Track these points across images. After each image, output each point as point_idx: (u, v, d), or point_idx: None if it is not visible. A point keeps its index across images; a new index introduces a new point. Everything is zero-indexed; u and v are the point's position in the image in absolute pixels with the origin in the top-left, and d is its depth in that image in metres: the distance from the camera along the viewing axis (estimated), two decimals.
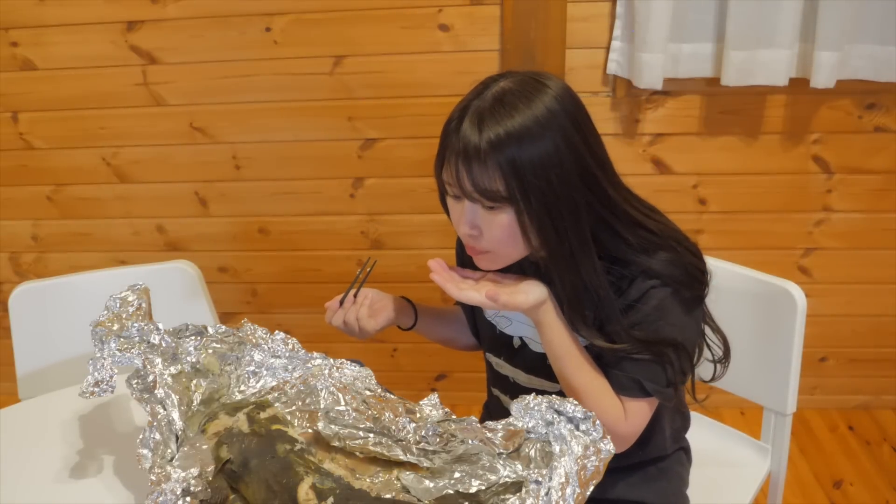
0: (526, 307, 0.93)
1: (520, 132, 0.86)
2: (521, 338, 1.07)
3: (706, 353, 1.04)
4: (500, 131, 0.86)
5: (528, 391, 1.05)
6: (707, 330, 1.02)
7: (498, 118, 0.86)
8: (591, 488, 0.76)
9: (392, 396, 0.91)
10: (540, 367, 1.04)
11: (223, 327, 1.01)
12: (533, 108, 0.87)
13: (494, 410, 1.19)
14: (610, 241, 0.93)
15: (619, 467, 1.05)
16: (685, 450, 1.19)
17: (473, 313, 1.20)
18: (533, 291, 0.94)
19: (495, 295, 0.91)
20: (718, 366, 1.05)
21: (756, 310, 1.27)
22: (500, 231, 0.91)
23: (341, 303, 1.09)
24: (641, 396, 0.95)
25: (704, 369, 1.05)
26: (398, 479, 0.84)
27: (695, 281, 0.96)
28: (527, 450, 0.81)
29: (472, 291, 0.94)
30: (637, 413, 0.96)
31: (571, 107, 0.90)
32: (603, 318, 0.95)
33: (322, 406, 0.91)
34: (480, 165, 0.86)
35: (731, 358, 1.04)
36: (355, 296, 1.10)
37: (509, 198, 0.88)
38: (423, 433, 0.84)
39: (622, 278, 0.95)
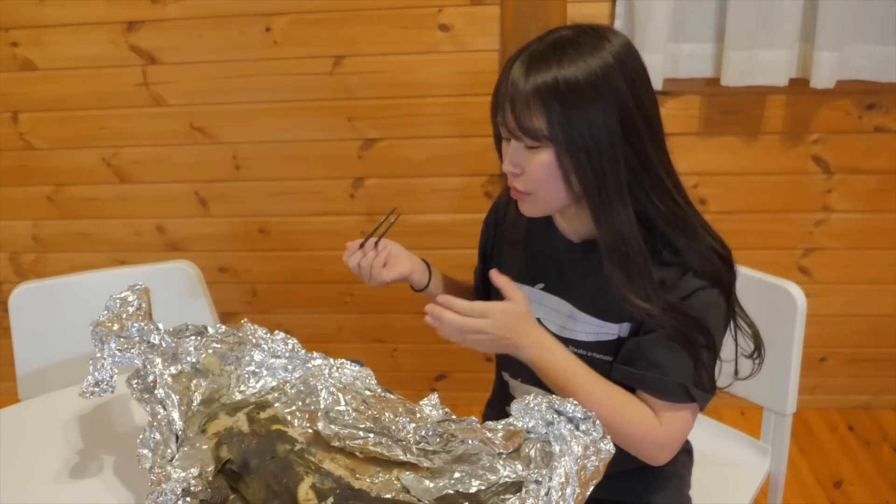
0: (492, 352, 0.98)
1: (567, 79, 0.87)
2: (539, 319, 1.06)
3: (739, 349, 1.04)
4: (546, 75, 0.88)
5: (536, 378, 1.05)
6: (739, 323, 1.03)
7: (548, 62, 0.88)
8: (591, 488, 0.76)
9: (392, 396, 0.91)
10: None
11: (223, 327, 1.01)
12: (587, 60, 0.88)
13: (498, 394, 1.19)
14: (641, 201, 0.93)
15: (623, 471, 1.05)
16: (688, 452, 1.19)
17: (488, 291, 1.18)
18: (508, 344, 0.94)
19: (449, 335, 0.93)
20: (754, 361, 1.04)
21: (756, 310, 1.27)
22: (539, 170, 0.92)
23: (361, 245, 1.10)
24: (686, 401, 0.94)
25: (742, 366, 1.04)
26: (398, 479, 0.84)
27: (728, 280, 0.97)
28: (527, 450, 0.81)
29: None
30: (676, 420, 0.94)
31: (629, 62, 0.91)
32: (636, 283, 0.93)
33: (322, 406, 0.91)
34: (523, 104, 0.89)
35: (764, 353, 1.03)
36: (376, 243, 1.10)
37: (550, 138, 0.89)
38: (423, 433, 0.84)
39: (663, 264, 0.95)
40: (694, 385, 0.93)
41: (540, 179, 0.93)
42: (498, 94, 0.94)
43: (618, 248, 0.93)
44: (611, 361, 0.99)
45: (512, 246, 1.13)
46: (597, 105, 0.88)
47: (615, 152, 0.90)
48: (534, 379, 1.06)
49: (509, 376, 1.14)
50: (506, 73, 0.92)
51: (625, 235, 0.92)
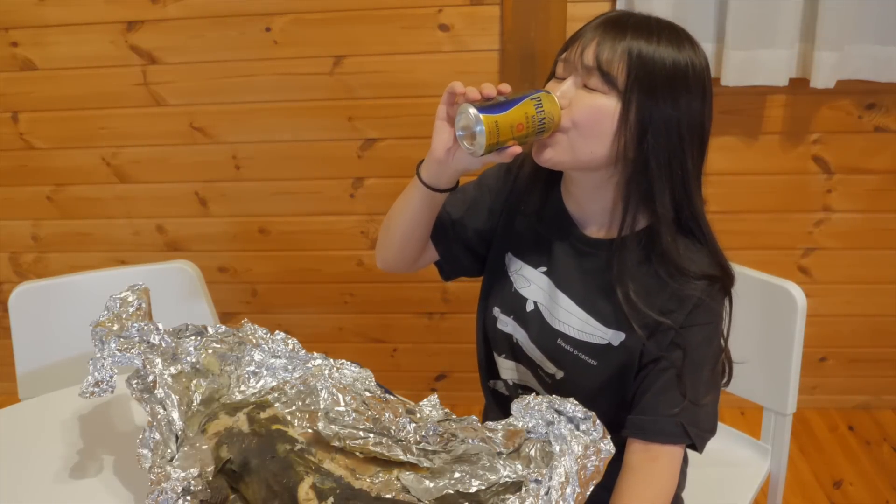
0: None
1: (663, 59, 0.89)
2: (535, 302, 1.05)
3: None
4: (645, 46, 0.88)
5: (528, 358, 1.06)
6: None
7: (650, 34, 0.89)
8: (592, 488, 0.76)
9: (392, 398, 0.91)
10: (546, 339, 1.03)
11: (223, 327, 1.01)
12: (680, 52, 0.90)
13: (490, 402, 1.19)
14: (678, 199, 0.94)
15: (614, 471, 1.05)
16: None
17: (481, 245, 1.13)
18: None
19: None
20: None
21: (756, 310, 1.27)
22: (588, 110, 0.90)
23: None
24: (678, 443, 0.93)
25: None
26: (398, 479, 0.84)
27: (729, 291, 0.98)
28: (527, 449, 0.81)
29: None
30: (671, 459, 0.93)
31: (708, 74, 0.93)
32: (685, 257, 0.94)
33: (322, 406, 0.91)
34: (611, 52, 0.88)
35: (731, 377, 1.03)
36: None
37: (623, 91, 0.89)
38: (423, 433, 0.84)
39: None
40: (695, 425, 0.92)
41: (584, 118, 0.90)
42: (581, 34, 0.93)
43: (650, 233, 0.93)
44: (596, 366, 0.99)
45: (524, 217, 1.09)
46: (682, 92, 0.90)
47: (681, 139, 0.91)
48: (514, 356, 1.08)
49: (498, 355, 1.12)
50: (596, 21, 0.92)
51: (661, 218, 0.92)
